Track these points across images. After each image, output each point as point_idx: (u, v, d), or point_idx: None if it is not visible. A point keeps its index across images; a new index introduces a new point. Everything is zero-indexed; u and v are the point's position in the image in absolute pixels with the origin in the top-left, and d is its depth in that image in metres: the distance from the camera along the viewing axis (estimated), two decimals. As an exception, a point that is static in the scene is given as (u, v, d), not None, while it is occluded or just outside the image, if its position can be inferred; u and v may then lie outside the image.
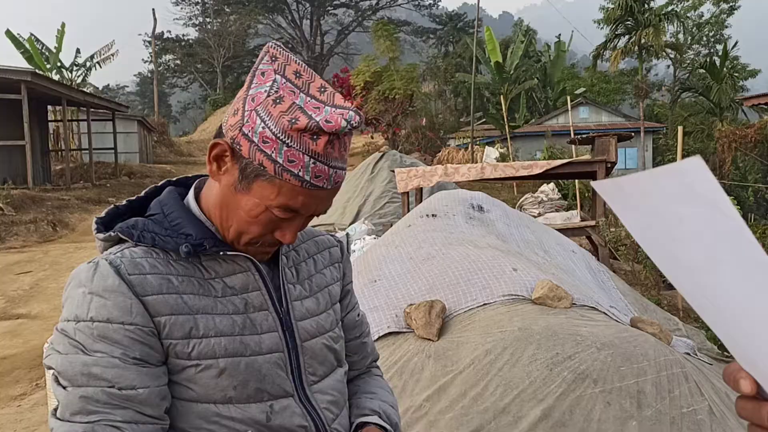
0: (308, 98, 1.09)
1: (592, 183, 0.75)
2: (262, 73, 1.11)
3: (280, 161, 1.07)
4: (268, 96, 1.08)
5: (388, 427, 1.37)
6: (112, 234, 1.19)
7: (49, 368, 1.11)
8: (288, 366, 1.23)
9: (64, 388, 1.07)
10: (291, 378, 1.23)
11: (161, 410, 1.11)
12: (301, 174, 1.08)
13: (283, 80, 1.09)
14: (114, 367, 1.06)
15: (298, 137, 1.06)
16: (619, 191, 0.62)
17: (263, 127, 1.07)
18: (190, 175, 1.34)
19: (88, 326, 1.07)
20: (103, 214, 1.25)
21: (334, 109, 1.08)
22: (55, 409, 1.09)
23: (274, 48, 1.13)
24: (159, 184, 1.31)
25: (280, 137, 1.06)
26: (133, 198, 1.28)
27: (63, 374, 1.07)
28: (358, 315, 1.50)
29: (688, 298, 0.63)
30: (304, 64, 1.13)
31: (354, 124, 1.07)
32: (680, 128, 7.68)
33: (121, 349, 1.07)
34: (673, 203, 0.57)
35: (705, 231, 0.56)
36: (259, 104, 1.08)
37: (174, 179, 1.32)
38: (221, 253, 1.19)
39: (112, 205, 1.28)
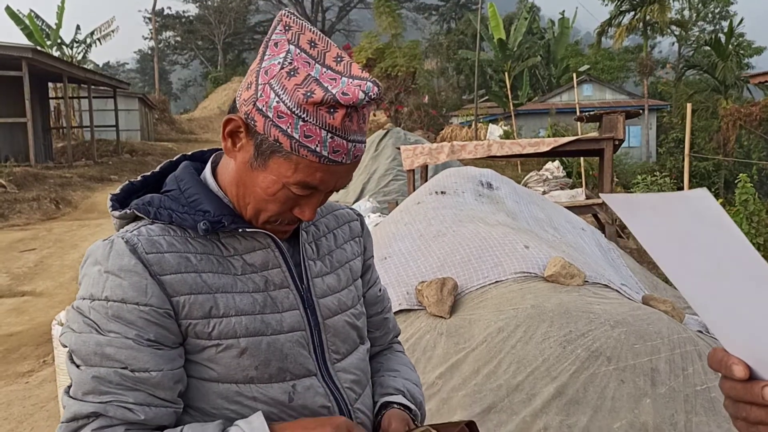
0: (324, 69, 1.04)
1: (602, 195, 0.81)
2: (275, 44, 1.07)
3: (297, 137, 1.03)
4: (282, 68, 1.04)
5: (412, 406, 1.34)
6: (128, 211, 1.15)
7: (64, 346, 1.09)
8: (310, 344, 1.20)
9: (78, 366, 1.05)
10: (314, 357, 1.21)
11: (175, 393, 1.09)
12: (318, 149, 1.04)
13: (297, 50, 1.05)
14: (127, 348, 1.04)
15: (314, 111, 1.02)
16: (629, 205, 0.71)
17: (278, 102, 1.03)
18: (206, 149, 1.29)
19: (103, 305, 1.05)
20: (117, 191, 1.21)
21: (351, 80, 1.03)
22: (69, 387, 1.08)
23: (287, 16, 1.08)
24: (174, 159, 1.26)
25: (296, 111, 1.02)
26: (149, 174, 1.25)
27: (77, 353, 1.06)
28: (380, 290, 1.47)
29: (688, 298, 0.73)
30: (319, 32, 1.08)
31: (372, 96, 1.03)
32: (688, 105, 7.61)
33: (135, 330, 1.05)
34: (683, 223, 0.67)
35: (713, 247, 0.67)
36: (272, 77, 1.04)
37: (189, 153, 1.28)
38: (240, 230, 1.15)
39: (127, 182, 1.24)
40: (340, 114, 1.02)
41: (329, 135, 1.03)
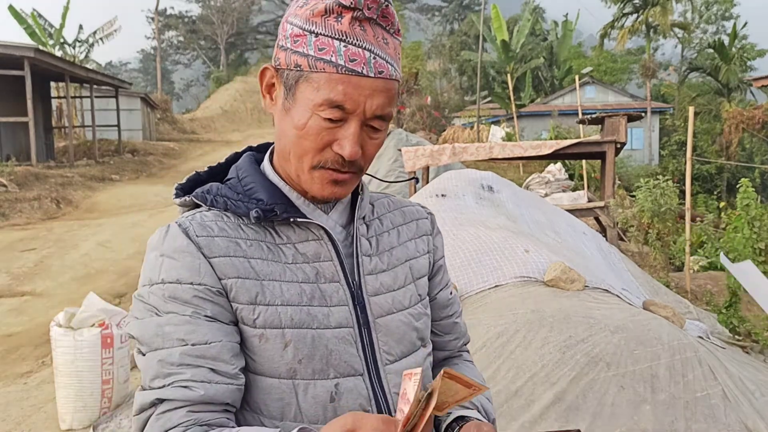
0: None
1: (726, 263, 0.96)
2: None
3: (312, 53, 1.05)
4: (296, 4, 1.09)
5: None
6: (188, 199, 1.19)
7: (131, 337, 1.11)
8: (359, 342, 1.16)
9: (144, 354, 1.07)
10: (362, 356, 1.16)
11: (235, 368, 1.07)
12: (333, 59, 1.04)
13: None
14: (185, 324, 1.05)
15: (322, 22, 1.04)
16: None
17: (291, 28, 1.07)
18: (272, 141, 1.28)
19: (160, 288, 1.07)
20: (183, 181, 1.24)
21: None
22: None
23: None
24: (240, 151, 1.30)
25: (306, 28, 1.05)
26: (215, 165, 1.28)
27: (140, 339, 1.07)
28: (451, 293, 1.42)
29: None
30: None
31: None
32: (691, 108, 7.58)
33: (192, 308, 1.06)
34: None
35: None
36: (289, 14, 1.10)
37: (255, 145, 1.31)
38: (291, 219, 1.15)
39: (194, 172, 1.26)
40: (346, 18, 1.04)
41: (342, 44, 1.04)
